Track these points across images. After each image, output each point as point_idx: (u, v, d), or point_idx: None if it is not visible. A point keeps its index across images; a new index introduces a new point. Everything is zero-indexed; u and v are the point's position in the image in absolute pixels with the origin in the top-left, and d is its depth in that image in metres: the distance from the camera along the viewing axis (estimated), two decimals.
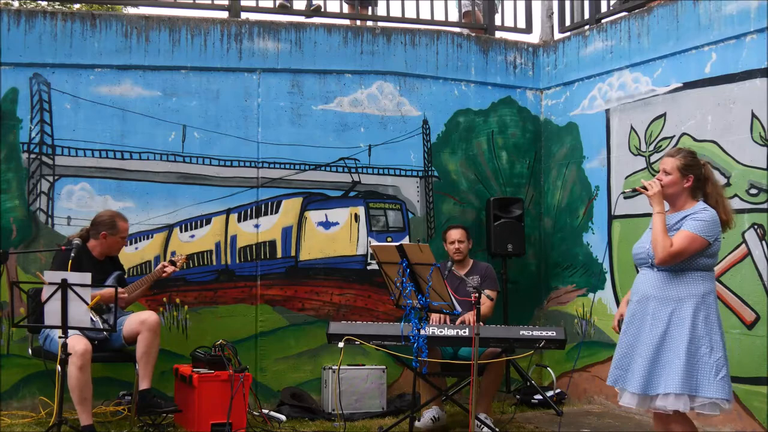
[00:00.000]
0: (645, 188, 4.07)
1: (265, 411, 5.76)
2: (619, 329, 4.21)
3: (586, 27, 6.95)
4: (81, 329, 4.84)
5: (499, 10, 7.60)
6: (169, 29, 6.22)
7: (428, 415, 5.53)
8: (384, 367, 6.21)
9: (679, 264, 3.94)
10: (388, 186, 6.69)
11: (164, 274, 5.55)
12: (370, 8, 7.47)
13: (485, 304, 5.60)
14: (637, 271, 4.26)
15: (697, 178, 4.07)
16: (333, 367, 6.07)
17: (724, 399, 3.84)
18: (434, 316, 5.50)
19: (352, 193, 6.60)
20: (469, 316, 5.54)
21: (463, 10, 7.63)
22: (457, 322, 5.52)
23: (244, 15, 6.64)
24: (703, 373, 3.82)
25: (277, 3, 6.95)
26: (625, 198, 4.14)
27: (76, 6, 10.07)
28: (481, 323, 5.51)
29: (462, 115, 6.95)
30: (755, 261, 5.34)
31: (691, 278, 3.95)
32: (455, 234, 5.99)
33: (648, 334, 3.96)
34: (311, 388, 6.32)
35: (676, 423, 3.96)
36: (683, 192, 4.07)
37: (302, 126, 6.47)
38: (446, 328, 5.15)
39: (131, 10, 8.65)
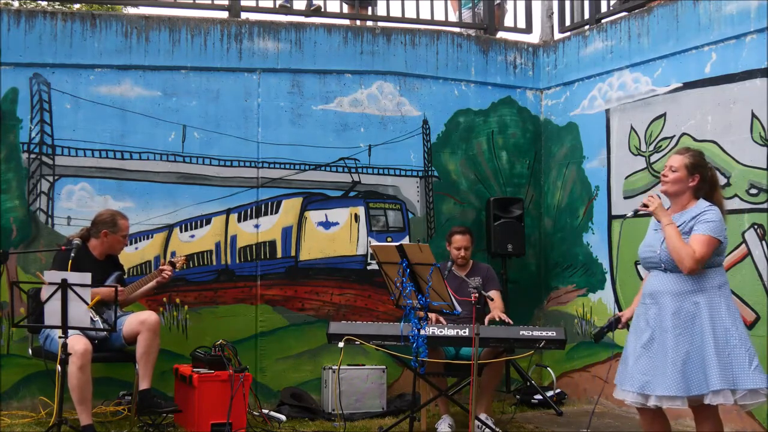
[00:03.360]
0: (646, 205, 4.01)
1: (265, 411, 5.76)
2: (606, 324, 4.18)
3: (586, 27, 6.95)
4: (81, 329, 4.84)
5: (507, 8, 7.61)
6: (169, 29, 6.22)
7: (444, 425, 5.48)
8: (384, 367, 6.21)
9: None
10: (388, 186, 6.69)
11: (164, 278, 5.52)
12: (370, 8, 7.47)
13: (497, 304, 5.62)
14: (638, 273, 4.24)
15: (702, 178, 4.03)
16: (333, 367, 6.07)
17: (764, 387, 3.83)
18: (430, 316, 5.48)
19: (352, 193, 6.60)
20: (499, 315, 5.54)
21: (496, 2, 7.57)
22: (485, 322, 5.50)
23: (244, 15, 6.64)
24: (738, 365, 3.80)
25: (278, 3, 6.96)
26: (627, 218, 4.09)
27: (76, 6, 10.06)
28: (502, 321, 5.55)
29: (462, 115, 6.95)
30: (755, 261, 5.34)
31: (703, 274, 3.92)
32: (461, 241, 5.94)
33: (671, 334, 3.89)
34: (311, 388, 6.32)
35: (707, 421, 3.93)
36: (687, 191, 4.03)
37: (302, 126, 6.47)
38: (446, 328, 5.15)
39: (131, 10, 8.65)
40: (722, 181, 5.44)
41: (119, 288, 4.94)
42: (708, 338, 3.81)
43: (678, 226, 3.95)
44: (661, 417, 4.10)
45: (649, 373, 3.91)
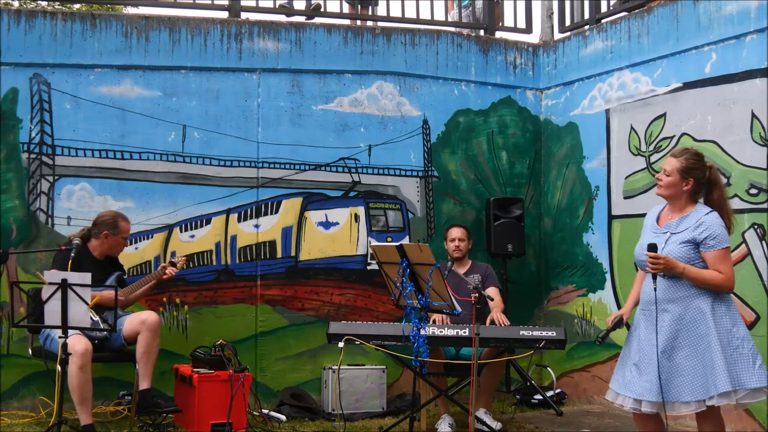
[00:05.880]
0: (654, 276, 3.90)
1: (265, 411, 5.76)
2: (611, 326, 4.09)
3: (586, 27, 6.95)
4: (81, 329, 4.84)
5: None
6: (169, 29, 6.22)
7: (445, 425, 5.49)
8: (384, 367, 6.21)
9: None
10: (388, 186, 6.69)
11: (165, 276, 5.53)
12: (370, 8, 7.47)
13: (496, 303, 5.62)
14: (637, 271, 4.23)
15: (697, 181, 3.97)
16: (333, 367, 6.07)
17: (766, 386, 3.82)
18: (436, 316, 5.48)
19: (352, 193, 6.60)
20: (496, 316, 5.55)
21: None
22: (487, 322, 5.51)
23: (244, 15, 6.64)
24: (743, 365, 3.79)
25: (278, 3, 6.96)
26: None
27: (76, 6, 10.06)
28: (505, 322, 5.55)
29: (462, 115, 6.95)
30: (755, 261, 5.34)
31: None
32: (456, 232, 5.99)
33: (676, 340, 3.86)
34: (311, 388, 6.32)
35: (708, 421, 3.90)
36: (682, 194, 3.98)
37: (302, 126, 6.47)
38: (446, 328, 5.15)
39: (131, 10, 8.66)
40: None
41: (119, 295, 4.95)
42: (713, 341, 3.79)
43: (681, 233, 3.93)
44: (657, 419, 4.06)
45: (666, 381, 3.86)
